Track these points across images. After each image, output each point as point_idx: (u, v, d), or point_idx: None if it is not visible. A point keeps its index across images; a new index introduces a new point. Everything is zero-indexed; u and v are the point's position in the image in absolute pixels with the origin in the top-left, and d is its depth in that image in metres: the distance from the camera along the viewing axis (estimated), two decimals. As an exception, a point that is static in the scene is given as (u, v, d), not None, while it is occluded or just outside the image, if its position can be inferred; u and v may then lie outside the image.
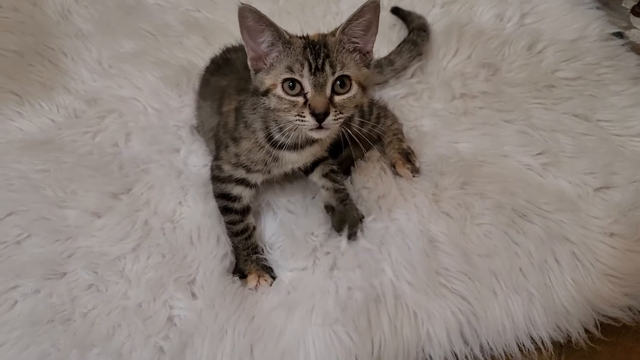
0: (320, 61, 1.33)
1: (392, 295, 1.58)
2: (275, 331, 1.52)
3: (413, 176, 1.84)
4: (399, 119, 1.99)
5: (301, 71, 1.33)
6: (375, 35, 1.41)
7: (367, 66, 1.44)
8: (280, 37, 1.35)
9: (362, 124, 1.82)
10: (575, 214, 1.75)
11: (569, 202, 1.78)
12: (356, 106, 1.42)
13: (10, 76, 2.01)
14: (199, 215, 1.72)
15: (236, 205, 1.67)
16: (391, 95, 2.10)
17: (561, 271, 1.64)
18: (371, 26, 1.38)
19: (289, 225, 1.73)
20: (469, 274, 1.61)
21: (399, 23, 2.35)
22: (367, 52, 1.43)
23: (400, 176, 1.86)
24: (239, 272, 1.65)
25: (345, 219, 1.70)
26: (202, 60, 1.97)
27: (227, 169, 1.63)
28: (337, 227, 1.71)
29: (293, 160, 1.59)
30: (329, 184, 1.76)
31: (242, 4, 1.29)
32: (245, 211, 1.70)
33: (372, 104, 1.90)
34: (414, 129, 2.01)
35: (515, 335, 1.57)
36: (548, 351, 1.58)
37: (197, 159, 1.86)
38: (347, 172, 1.87)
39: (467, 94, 2.11)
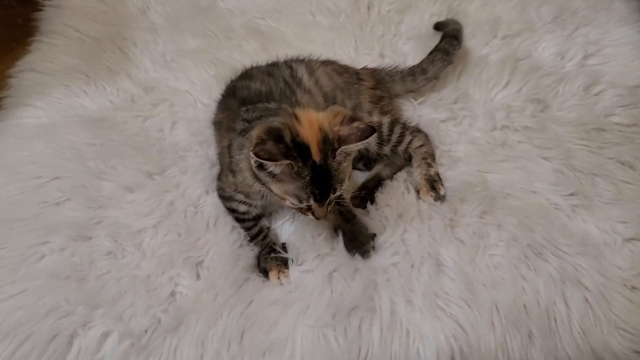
0: (324, 192, 1.43)
1: (387, 309, 1.59)
2: (268, 323, 1.57)
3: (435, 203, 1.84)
4: (432, 142, 2.00)
5: (308, 200, 1.44)
6: None
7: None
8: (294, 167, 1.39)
9: (380, 145, 1.86)
10: (596, 260, 1.68)
11: (593, 247, 1.71)
12: None
13: (84, 58, 2.24)
14: (221, 205, 1.82)
15: (246, 216, 1.76)
16: (431, 117, 2.10)
17: (569, 315, 1.57)
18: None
19: (301, 226, 1.79)
20: (468, 301, 1.58)
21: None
22: None
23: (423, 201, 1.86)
24: (262, 270, 1.72)
25: (356, 236, 1.71)
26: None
27: (229, 191, 1.72)
28: (349, 247, 1.71)
29: None
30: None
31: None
32: (257, 217, 1.78)
33: (394, 122, 1.93)
34: (446, 153, 2.01)
35: (507, 371, 1.53)
36: (541, 395, 1.52)
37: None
38: (372, 191, 1.90)
39: (509, 126, 2.07)
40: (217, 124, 1.87)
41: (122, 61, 2.26)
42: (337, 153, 1.40)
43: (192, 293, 1.62)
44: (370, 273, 1.66)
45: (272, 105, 1.65)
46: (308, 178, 1.39)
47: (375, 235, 1.75)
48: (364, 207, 1.85)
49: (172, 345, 1.54)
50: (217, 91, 2.12)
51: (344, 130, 1.41)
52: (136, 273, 1.65)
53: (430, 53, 2.17)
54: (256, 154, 1.34)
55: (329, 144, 1.39)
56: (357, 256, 1.69)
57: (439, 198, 1.85)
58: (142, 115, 2.08)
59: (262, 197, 1.66)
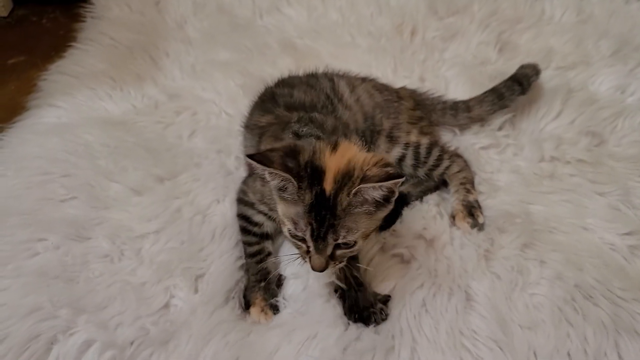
0: (323, 230, 1.19)
1: (408, 347, 1.37)
2: (266, 349, 1.38)
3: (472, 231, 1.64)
4: (470, 168, 1.81)
5: (304, 232, 1.21)
6: None
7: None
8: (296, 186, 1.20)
9: (415, 167, 1.69)
10: (659, 310, 1.42)
11: (654, 295, 1.46)
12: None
13: (113, 64, 2.20)
14: (231, 217, 1.67)
15: (255, 229, 1.59)
16: (470, 142, 1.92)
17: (623, 370, 1.32)
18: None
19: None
20: (500, 343, 1.35)
21: (500, 76, 2.17)
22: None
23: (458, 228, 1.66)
24: (245, 300, 1.52)
25: (357, 304, 1.46)
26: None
27: (252, 197, 1.57)
28: (348, 315, 1.46)
29: None
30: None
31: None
32: (264, 236, 1.60)
33: (433, 144, 1.77)
34: (486, 181, 1.80)
35: None
36: None
37: (247, 166, 1.83)
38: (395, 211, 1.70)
39: (560, 158, 1.87)
40: (255, 127, 1.69)
41: (150, 68, 2.21)
42: (352, 191, 1.17)
43: (187, 307, 1.45)
44: (391, 304, 1.47)
45: (329, 122, 1.48)
46: (309, 204, 1.18)
47: (389, 297, 1.49)
48: (386, 229, 1.66)
49: (158, 363, 1.36)
50: (243, 102, 2.02)
51: (372, 171, 1.19)
52: (130, 279, 1.50)
53: (484, 92, 1.99)
54: (249, 155, 1.18)
55: (349, 180, 1.19)
56: (360, 324, 1.44)
57: (477, 225, 1.64)
58: (163, 122, 2.00)
59: None
